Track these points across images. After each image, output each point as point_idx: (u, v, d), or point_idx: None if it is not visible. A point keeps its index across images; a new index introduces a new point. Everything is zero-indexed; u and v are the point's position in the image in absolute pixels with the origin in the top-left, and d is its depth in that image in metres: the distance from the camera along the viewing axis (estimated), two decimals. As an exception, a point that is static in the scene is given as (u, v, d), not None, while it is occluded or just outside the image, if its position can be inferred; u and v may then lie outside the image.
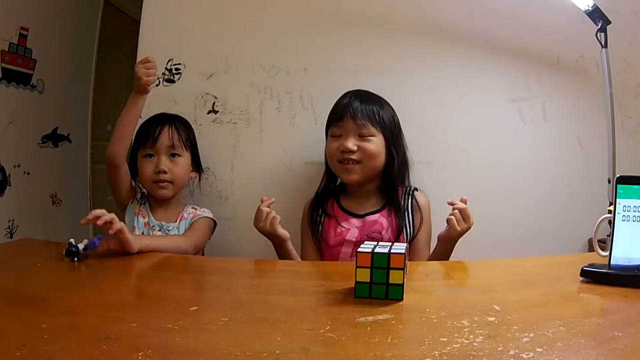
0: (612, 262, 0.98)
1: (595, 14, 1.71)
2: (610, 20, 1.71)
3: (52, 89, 2.88)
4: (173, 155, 1.69)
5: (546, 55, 1.99)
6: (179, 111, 1.96)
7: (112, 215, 1.27)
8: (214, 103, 2.02)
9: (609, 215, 1.02)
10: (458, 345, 0.67)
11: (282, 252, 1.52)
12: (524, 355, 0.63)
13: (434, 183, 1.84)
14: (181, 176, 1.70)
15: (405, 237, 1.59)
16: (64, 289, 0.97)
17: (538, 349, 0.65)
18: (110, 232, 1.25)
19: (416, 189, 1.69)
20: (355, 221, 1.63)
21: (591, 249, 1.13)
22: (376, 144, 1.58)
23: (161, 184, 1.65)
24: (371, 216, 1.62)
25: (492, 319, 0.78)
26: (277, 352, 0.65)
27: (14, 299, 0.89)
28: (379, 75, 1.92)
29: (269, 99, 2.00)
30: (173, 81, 2.03)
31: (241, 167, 2.00)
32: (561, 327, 0.72)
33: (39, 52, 2.74)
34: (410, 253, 1.49)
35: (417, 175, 1.80)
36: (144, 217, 1.69)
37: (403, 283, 0.88)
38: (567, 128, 2.00)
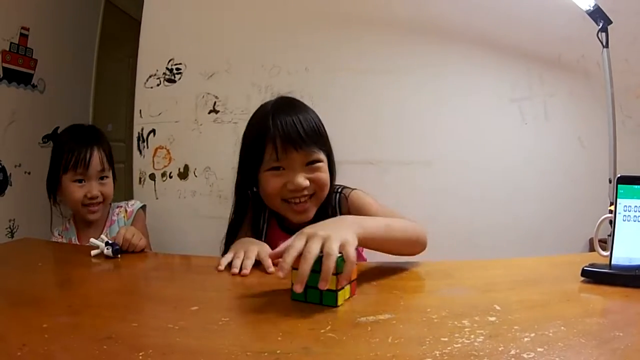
0: (613, 262, 0.98)
1: (597, 14, 1.71)
2: (612, 20, 1.71)
3: (52, 88, 2.88)
4: (102, 178, 1.72)
5: (547, 55, 1.99)
6: (179, 111, 1.97)
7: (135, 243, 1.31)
8: (214, 103, 2.02)
9: (609, 215, 1.02)
10: (459, 345, 0.67)
11: None
12: (525, 355, 0.63)
13: (434, 183, 1.84)
14: (110, 195, 1.74)
15: None
16: (64, 289, 0.97)
17: (539, 349, 0.65)
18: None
19: (344, 188, 1.43)
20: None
21: (592, 248, 1.12)
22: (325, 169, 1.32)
23: (92, 208, 1.69)
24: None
25: (493, 318, 0.77)
26: (278, 351, 0.65)
27: (14, 298, 0.89)
28: (379, 75, 1.93)
29: (269, 98, 2.00)
30: (174, 81, 2.03)
31: (242, 167, 2.00)
32: (562, 327, 0.72)
33: (40, 52, 2.74)
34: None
35: (416, 175, 1.80)
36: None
37: (337, 289, 0.83)
38: (568, 128, 2.01)
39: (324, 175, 1.29)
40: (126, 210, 1.79)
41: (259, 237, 1.37)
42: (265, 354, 0.65)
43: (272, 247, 1.25)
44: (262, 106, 1.38)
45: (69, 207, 1.74)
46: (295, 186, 1.25)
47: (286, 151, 1.24)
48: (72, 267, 1.17)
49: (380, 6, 2.00)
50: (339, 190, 1.41)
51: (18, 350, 0.64)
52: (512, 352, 0.64)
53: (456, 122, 1.97)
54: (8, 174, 2.56)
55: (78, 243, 1.71)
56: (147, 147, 2.08)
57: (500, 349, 0.65)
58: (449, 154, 1.96)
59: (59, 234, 1.76)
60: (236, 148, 2.05)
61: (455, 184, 1.92)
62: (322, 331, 0.73)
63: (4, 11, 2.48)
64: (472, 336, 0.70)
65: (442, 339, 0.69)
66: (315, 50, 2.01)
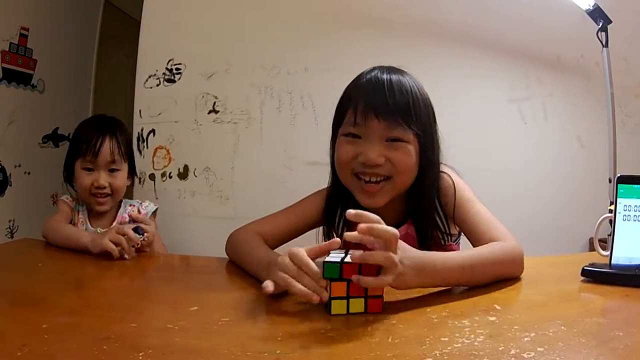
0: (612, 262, 0.98)
1: (596, 13, 1.71)
2: (611, 19, 1.71)
3: (52, 89, 2.88)
4: (112, 170, 1.66)
5: (546, 55, 1.99)
6: (179, 111, 1.97)
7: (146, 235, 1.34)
8: (214, 103, 2.02)
9: (609, 214, 1.02)
10: (459, 345, 0.67)
11: None
12: (525, 355, 0.63)
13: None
14: (120, 188, 1.69)
15: (443, 240, 1.22)
16: (64, 289, 0.97)
17: (539, 349, 0.65)
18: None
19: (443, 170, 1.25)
20: None
21: (592, 248, 1.13)
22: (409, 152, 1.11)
23: (100, 199, 1.64)
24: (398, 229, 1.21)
25: (493, 318, 0.77)
26: (278, 352, 0.65)
27: (14, 299, 0.89)
28: (379, 75, 1.92)
29: (269, 98, 2.01)
30: (173, 81, 2.03)
31: (242, 167, 2.01)
32: (562, 327, 0.72)
33: (40, 52, 2.74)
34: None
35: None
36: (82, 224, 1.67)
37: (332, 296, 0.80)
38: (567, 128, 2.01)
39: (406, 159, 1.09)
40: (139, 211, 1.73)
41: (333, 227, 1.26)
42: (265, 354, 0.65)
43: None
44: None
45: (80, 196, 1.69)
46: (366, 159, 1.08)
47: (365, 117, 1.07)
48: (71, 268, 1.17)
49: (379, 6, 2.01)
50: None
51: (18, 350, 0.64)
52: (512, 351, 0.64)
53: (455, 123, 1.96)
54: (8, 174, 2.56)
55: (88, 223, 1.66)
56: (147, 147, 2.08)
57: (500, 348, 0.65)
58: (448, 155, 1.95)
59: (71, 199, 1.69)
60: (236, 148, 2.07)
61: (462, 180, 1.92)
62: (322, 331, 0.73)
63: (4, 11, 2.48)
64: (472, 336, 0.70)
65: (442, 338, 0.69)
66: (314, 51, 2.01)
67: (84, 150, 1.63)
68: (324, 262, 0.80)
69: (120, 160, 1.68)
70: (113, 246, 1.22)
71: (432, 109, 1.19)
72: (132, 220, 1.35)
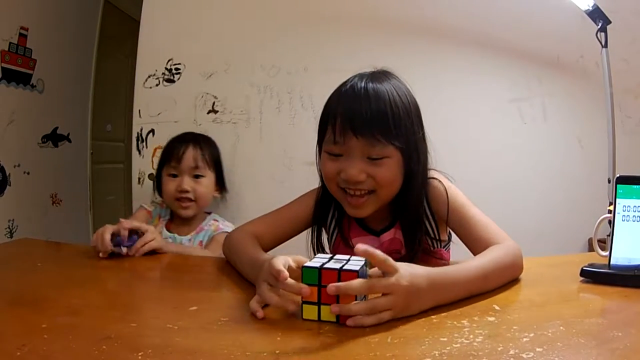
0: (612, 262, 0.98)
1: (596, 14, 1.71)
2: (611, 20, 1.72)
3: (52, 88, 2.88)
4: (197, 176, 1.73)
5: (546, 55, 1.99)
6: (178, 111, 1.96)
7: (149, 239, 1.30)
8: (213, 103, 2.02)
9: (608, 215, 1.02)
10: (458, 345, 0.67)
11: None
12: (524, 355, 0.63)
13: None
14: (204, 195, 1.73)
15: (432, 246, 1.22)
16: (64, 289, 0.97)
17: (538, 349, 0.65)
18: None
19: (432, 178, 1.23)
20: (371, 241, 1.20)
21: (591, 248, 1.13)
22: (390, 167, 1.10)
23: (183, 204, 1.70)
24: (386, 233, 1.23)
25: (492, 319, 0.78)
26: (277, 352, 0.65)
27: (14, 299, 0.89)
28: (379, 75, 1.93)
29: (269, 98, 2.01)
30: (173, 81, 2.03)
31: (241, 166, 2.01)
32: (561, 327, 0.72)
33: (39, 52, 2.74)
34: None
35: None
36: (161, 229, 1.73)
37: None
38: (567, 128, 2.01)
39: (387, 174, 1.09)
40: (218, 227, 1.78)
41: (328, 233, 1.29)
42: (265, 354, 0.65)
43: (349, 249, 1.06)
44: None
45: (167, 204, 1.77)
46: (347, 177, 1.08)
47: (344, 135, 1.06)
48: (71, 268, 1.17)
49: (379, 6, 2.01)
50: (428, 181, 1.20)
51: (17, 350, 0.64)
52: (511, 352, 0.64)
53: (455, 123, 1.97)
54: (7, 174, 2.56)
55: (165, 229, 1.73)
56: (146, 147, 2.08)
57: (499, 348, 0.66)
58: (447, 155, 1.95)
59: (149, 205, 1.79)
60: (235, 148, 2.07)
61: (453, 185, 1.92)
62: (321, 331, 0.73)
63: (3, 11, 2.48)
64: (472, 336, 0.70)
65: (442, 339, 0.69)
66: (314, 50, 2.01)
67: (168, 157, 1.73)
68: (303, 267, 0.79)
69: (205, 167, 1.75)
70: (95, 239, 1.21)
71: (418, 115, 1.17)
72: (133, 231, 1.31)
